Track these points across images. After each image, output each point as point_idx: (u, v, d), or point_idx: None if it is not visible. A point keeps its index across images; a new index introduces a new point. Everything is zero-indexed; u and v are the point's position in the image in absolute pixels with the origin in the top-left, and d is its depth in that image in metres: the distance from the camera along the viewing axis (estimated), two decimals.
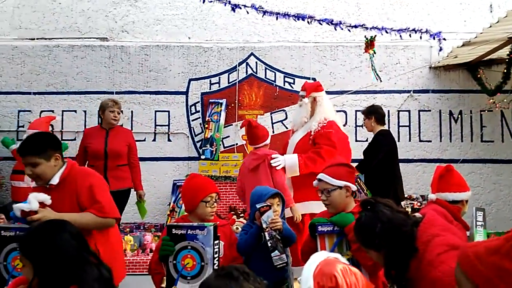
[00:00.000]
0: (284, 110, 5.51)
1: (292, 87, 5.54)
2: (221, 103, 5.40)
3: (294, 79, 5.56)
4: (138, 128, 5.46)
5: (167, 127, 5.50)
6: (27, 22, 5.76)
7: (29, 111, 5.51)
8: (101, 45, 5.62)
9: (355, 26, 4.69)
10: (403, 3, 5.69)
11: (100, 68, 5.57)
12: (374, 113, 4.52)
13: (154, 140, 5.48)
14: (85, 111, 5.53)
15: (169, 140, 5.49)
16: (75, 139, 5.47)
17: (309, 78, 5.52)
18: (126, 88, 5.54)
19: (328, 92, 5.47)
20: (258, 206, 2.35)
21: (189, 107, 5.51)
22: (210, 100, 5.45)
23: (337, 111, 5.46)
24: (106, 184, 2.57)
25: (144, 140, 5.48)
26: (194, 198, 2.44)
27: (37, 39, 5.70)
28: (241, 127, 4.16)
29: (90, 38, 5.70)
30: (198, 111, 5.50)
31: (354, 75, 5.53)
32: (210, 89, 5.55)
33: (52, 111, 5.51)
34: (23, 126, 5.43)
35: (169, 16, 5.73)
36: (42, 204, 2.16)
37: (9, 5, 5.51)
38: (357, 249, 2.21)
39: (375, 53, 4.58)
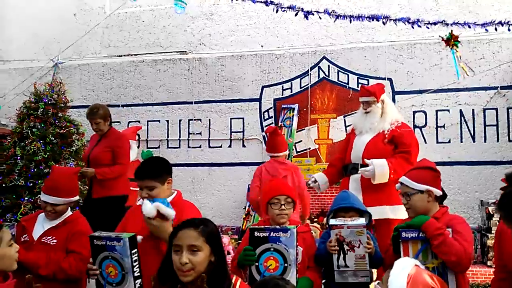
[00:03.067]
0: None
1: None
2: (294, 108, 5.44)
3: (368, 80, 5.43)
4: (215, 135, 5.71)
5: (241, 133, 5.67)
6: (115, 41, 6.32)
7: (119, 122, 6.02)
8: (181, 58, 5.98)
9: (434, 23, 4.44)
10: None
11: (180, 80, 5.92)
12: None
13: (229, 146, 5.68)
14: (167, 121, 5.91)
15: (243, 146, 5.66)
16: (159, 147, 5.88)
17: (384, 79, 5.36)
18: (204, 97, 5.83)
19: (406, 92, 5.32)
20: (332, 223, 2.32)
21: (262, 113, 5.64)
22: (283, 106, 5.53)
23: (416, 111, 5.27)
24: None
25: (221, 146, 5.71)
26: (263, 201, 2.56)
27: (124, 55, 6.23)
28: (265, 132, 4.23)
29: (171, 52, 6.09)
30: (271, 117, 5.60)
31: (433, 73, 5.25)
32: (282, 94, 5.62)
33: (139, 121, 5.97)
34: None
35: (242, 26, 5.93)
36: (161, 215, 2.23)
37: (99, 26, 6.08)
38: (438, 245, 2.14)
39: (457, 46, 4.31)
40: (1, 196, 4.88)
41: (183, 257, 1.64)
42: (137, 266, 2.05)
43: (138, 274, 2.04)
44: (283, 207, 2.45)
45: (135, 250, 2.04)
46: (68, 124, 5.26)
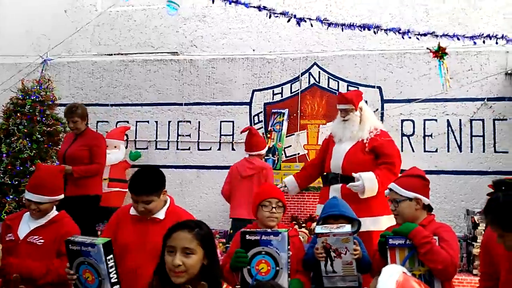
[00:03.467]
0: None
1: None
2: (284, 113, 5.46)
3: (358, 88, 5.48)
4: (205, 138, 5.70)
5: (231, 136, 5.67)
6: (106, 39, 6.26)
7: (107, 121, 5.97)
8: (172, 59, 5.95)
9: (424, 34, 4.52)
10: (476, 6, 5.38)
11: (171, 81, 5.89)
12: None
13: (219, 149, 5.67)
14: (156, 122, 5.87)
15: (233, 149, 5.66)
16: (147, 148, 5.84)
17: (374, 87, 5.42)
18: (194, 99, 5.81)
19: (394, 101, 5.38)
20: (318, 231, 2.33)
21: (252, 117, 5.65)
22: (273, 110, 5.55)
23: (404, 120, 5.34)
24: None
25: (210, 149, 5.69)
26: (254, 202, 2.58)
27: (114, 54, 6.18)
28: (241, 132, 4.36)
29: (162, 52, 6.06)
30: (261, 121, 5.61)
31: (422, 82, 5.33)
32: (273, 99, 5.64)
33: (127, 121, 5.92)
34: None
35: (234, 30, 5.93)
36: None
37: (90, 24, 6.02)
38: (425, 253, 2.16)
39: (444, 58, 4.39)
40: None
41: (176, 259, 1.65)
42: (114, 272, 2.00)
43: (116, 280, 2.00)
44: (273, 210, 2.48)
45: (111, 256, 1.99)
46: (55, 122, 5.19)
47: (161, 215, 2.40)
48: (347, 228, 2.33)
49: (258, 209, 2.53)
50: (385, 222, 3.28)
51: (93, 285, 2.00)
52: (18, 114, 5.08)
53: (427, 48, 4.47)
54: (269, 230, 2.25)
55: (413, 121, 5.32)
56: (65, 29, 6.05)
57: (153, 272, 1.78)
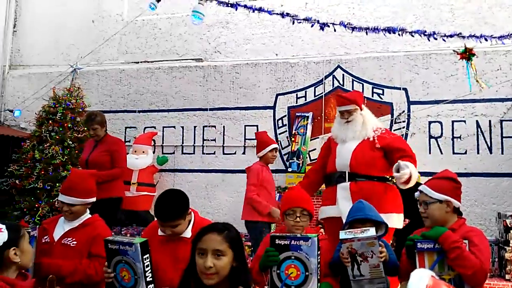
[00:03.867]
0: None
1: (381, 98, 5.42)
2: (308, 116, 5.46)
3: (383, 90, 5.43)
4: (230, 142, 5.76)
5: (255, 141, 5.70)
6: (132, 48, 6.42)
7: (135, 127, 6.11)
8: (197, 66, 6.05)
9: (450, 36, 4.44)
10: (503, 5, 5.25)
11: (196, 87, 5.99)
12: None
13: (243, 153, 5.71)
14: (182, 127, 5.98)
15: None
16: (174, 153, 5.94)
17: (399, 88, 5.36)
18: (219, 104, 5.88)
19: (421, 102, 5.31)
20: (342, 237, 2.30)
21: (276, 121, 5.67)
22: (297, 114, 5.55)
23: (432, 121, 5.25)
24: None
25: (235, 153, 5.75)
26: (281, 208, 2.65)
27: (140, 62, 6.33)
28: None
29: (187, 59, 6.17)
30: (285, 125, 5.63)
31: (449, 83, 5.24)
32: (296, 103, 5.65)
33: (154, 127, 6.05)
34: (129, 141, 6.02)
35: (257, 35, 5.99)
36: None
37: (117, 33, 6.19)
38: (455, 258, 2.13)
39: (471, 60, 4.31)
40: (20, 198, 4.98)
41: (207, 261, 1.68)
42: (149, 271, 2.07)
43: (151, 279, 2.07)
44: (298, 219, 2.50)
45: (147, 255, 2.06)
46: (85, 128, 5.36)
47: (188, 234, 2.45)
48: (372, 231, 2.30)
49: (284, 216, 2.58)
50: (396, 219, 3.28)
51: (129, 284, 2.06)
52: (50, 122, 5.28)
53: (453, 50, 4.39)
54: (299, 235, 2.25)
55: (441, 123, 5.23)
56: (93, 39, 6.26)
57: (183, 273, 1.81)
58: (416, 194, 2.49)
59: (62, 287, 2.35)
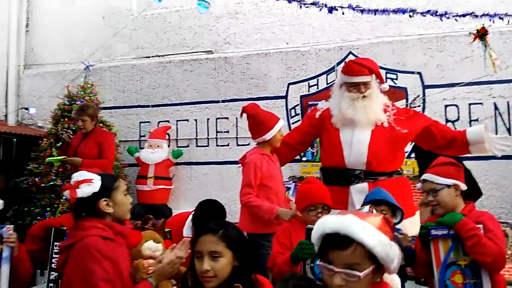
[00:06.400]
0: None
1: (395, 83, 5.34)
2: None
3: (396, 75, 5.35)
4: (243, 133, 5.74)
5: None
6: (143, 42, 6.44)
7: (149, 122, 6.15)
8: (207, 58, 6.04)
9: (463, 15, 4.33)
10: None
11: (207, 79, 5.98)
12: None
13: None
14: (196, 120, 5.99)
15: None
16: (188, 146, 5.97)
17: (413, 72, 5.27)
18: (231, 96, 5.88)
19: (436, 86, 5.20)
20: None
21: (288, 110, 5.64)
22: (309, 102, 5.52)
23: (448, 105, 5.15)
24: None
25: (248, 144, 5.72)
26: (300, 202, 2.56)
27: (152, 57, 6.34)
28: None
29: (197, 52, 6.16)
30: (298, 114, 5.59)
31: (465, 65, 5.12)
32: (308, 91, 5.61)
33: (168, 121, 6.08)
34: (144, 136, 6.08)
35: (267, 24, 5.93)
36: None
37: (127, 28, 6.21)
38: (473, 246, 2.10)
39: (487, 40, 4.18)
40: (40, 196, 5.09)
41: (204, 264, 1.61)
42: None
43: None
44: (319, 214, 2.46)
45: None
46: (101, 125, 5.42)
47: None
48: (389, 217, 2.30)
49: (303, 212, 2.52)
50: (408, 225, 2.86)
51: None
52: (66, 119, 5.35)
53: (470, 33, 4.27)
54: None
55: (457, 106, 5.13)
56: (104, 35, 6.28)
57: (188, 268, 1.79)
58: (418, 185, 2.46)
59: None
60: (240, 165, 3.41)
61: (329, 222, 1.39)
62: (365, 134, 2.87)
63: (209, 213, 2.44)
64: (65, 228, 2.40)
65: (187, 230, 2.54)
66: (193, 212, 2.49)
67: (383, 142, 2.84)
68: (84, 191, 1.91)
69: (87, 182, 1.94)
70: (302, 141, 3.25)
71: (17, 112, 6.60)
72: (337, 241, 1.34)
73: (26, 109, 6.39)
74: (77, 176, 1.99)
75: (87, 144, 4.41)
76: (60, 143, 4.22)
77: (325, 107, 3.09)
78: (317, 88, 5.58)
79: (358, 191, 2.78)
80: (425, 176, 2.41)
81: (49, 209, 4.97)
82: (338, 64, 5.53)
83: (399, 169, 3.04)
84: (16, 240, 2.25)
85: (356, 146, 2.86)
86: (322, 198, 2.51)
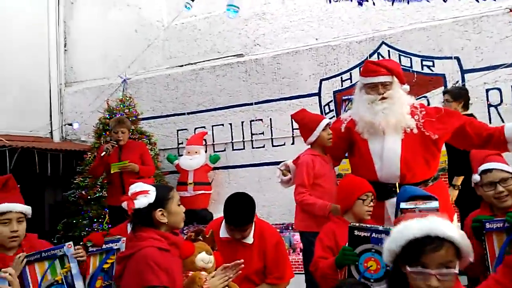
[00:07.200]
0: (425, 97, 5.14)
1: (431, 70, 5.16)
2: None
3: (433, 61, 5.16)
4: (278, 134, 5.75)
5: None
6: (175, 52, 6.58)
7: (186, 129, 6.28)
8: (238, 62, 6.08)
9: None
10: None
11: (239, 83, 6.03)
12: (464, 97, 3.91)
13: (292, 143, 5.67)
14: (230, 124, 6.05)
15: None
16: (225, 150, 6.04)
17: (451, 58, 5.07)
18: (263, 97, 5.88)
19: (476, 70, 4.98)
20: (403, 206, 2.19)
21: (322, 107, 5.57)
22: (343, 97, 5.43)
23: (489, 89, 4.91)
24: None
25: (284, 144, 5.73)
26: (351, 195, 2.47)
27: (184, 65, 6.47)
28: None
29: (228, 56, 6.22)
30: (332, 110, 5.51)
31: (505, 46, 4.85)
32: (341, 86, 5.52)
33: (204, 127, 6.17)
34: (182, 143, 6.21)
35: (295, 22, 5.89)
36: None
37: (159, 39, 6.37)
38: None
39: None
40: (87, 208, 5.31)
41: None
42: None
43: None
44: (371, 203, 2.44)
45: None
46: (140, 135, 5.59)
47: (250, 240, 2.54)
48: (435, 203, 2.17)
49: (357, 203, 2.44)
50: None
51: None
52: (107, 132, 5.54)
53: (508, 8, 4.06)
54: (380, 227, 2.14)
55: (499, 89, 4.87)
56: (138, 48, 6.47)
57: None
58: (476, 176, 2.23)
59: None
60: (282, 165, 3.49)
61: (415, 227, 1.43)
62: (395, 144, 2.69)
63: (242, 207, 2.47)
64: (90, 244, 2.41)
65: (223, 232, 2.57)
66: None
67: (415, 152, 2.68)
68: (141, 202, 1.96)
69: (144, 194, 1.98)
70: (336, 156, 3.22)
71: (61, 128, 6.93)
72: (430, 243, 1.38)
73: (70, 124, 6.70)
74: (134, 188, 2.04)
75: (130, 156, 4.48)
76: (103, 153, 4.31)
77: (348, 118, 2.97)
78: (351, 82, 5.47)
79: (394, 205, 2.55)
80: (495, 165, 2.19)
81: (96, 220, 5.17)
82: (371, 55, 5.40)
83: (435, 174, 2.84)
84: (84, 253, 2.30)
85: (387, 159, 2.70)
86: (369, 187, 2.47)
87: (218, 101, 6.14)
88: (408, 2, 4.42)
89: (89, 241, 2.32)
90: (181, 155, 6.05)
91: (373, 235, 2.08)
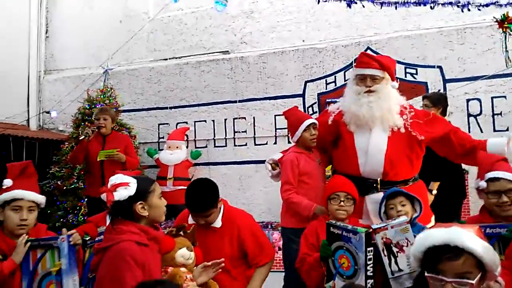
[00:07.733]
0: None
1: (414, 78, 5.25)
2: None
3: (416, 69, 5.25)
4: (260, 133, 5.74)
5: (286, 130, 5.65)
6: (160, 45, 6.49)
7: (167, 123, 6.20)
8: (224, 58, 6.04)
9: (486, 5, 4.20)
10: None
11: (224, 80, 5.99)
12: (442, 103, 3.93)
13: (275, 143, 5.68)
14: (213, 120, 6.01)
15: (289, 142, 5.62)
16: (206, 146, 5.99)
17: (434, 66, 5.16)
18: (248, 96, 5.87)
19: (457, 80, 5.08)
20: (374, 227, 2.21)
21: (306, 108, 5.59)
22: (327, 100, 5.45)
23: (470, 99, 5.02)
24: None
25: (266, 143, 5.73)
26: (324, 196, 2.60)
27: (169, 59, 6.39)
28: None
29: (214, 53, 6.18)
30: (316, 112, 5.54)
31: (487, 58, 4.98)
32: (326, 89, 5.55)
33: (186, 122, 6.11)
34: (163, 137, 6.13)
35: (283, 22, 5.90)
36: None
37: (144, 31, 6.26)
38: None
39: (510, 29, 4.05)
40: (62, 199, 5.18)
41: None
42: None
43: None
44: (342, 203, 2.46)
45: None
46: (120, 127, 5.48)
47: (218, 223, 2.50)
48: (403, 217, 2.27)
49: (328, 202, 2.53)
50: None
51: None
52: (86, 123, 5.42)
53: (494, 17, 4.12)
54: (349, 227, 2.20)
55: (479, 100, 5.00)
56: (122, 39, 6.34)
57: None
58: (482, 183, 2.21)
59: None
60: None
61: (435, 235, 1.45)
62: (381, 141, 2.69)
63: (201, 192, 2.47)
64: (88, 238, 2.41)
65: (191, 219, 2.56)
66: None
67: (400, 150, 2.69)
68: (121, 194, 1.91)
69: (124, 186, 1.93)
70: (323, 149, 3.14)
71: (39, 116, 6.74)
72: (447, 252, 1.39)
73: (48, 113, 6.52)
74: (114, 179, 1.98)
75: (114, 147, 4.40)
76: (82, 137, 4.19)
77: (336, 111, 2.94)
78: (335, 85, 5.51)
79: (374, 201, 2.63)
80: (501, 174, 2.17)
81: (71, 211, 5.05)
82: (356, 60, 5.44)
83: (415, 175, 2.86)
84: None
85: (372, 155, 2.69)
86: (343, 187, 2.48)
87: (201, 97, 6.09)
88: (396, 8, 4.44)
89: (87, 234, 2.30)
90: (162, 149, 5.97)
91: (344, 233, 2.16)
